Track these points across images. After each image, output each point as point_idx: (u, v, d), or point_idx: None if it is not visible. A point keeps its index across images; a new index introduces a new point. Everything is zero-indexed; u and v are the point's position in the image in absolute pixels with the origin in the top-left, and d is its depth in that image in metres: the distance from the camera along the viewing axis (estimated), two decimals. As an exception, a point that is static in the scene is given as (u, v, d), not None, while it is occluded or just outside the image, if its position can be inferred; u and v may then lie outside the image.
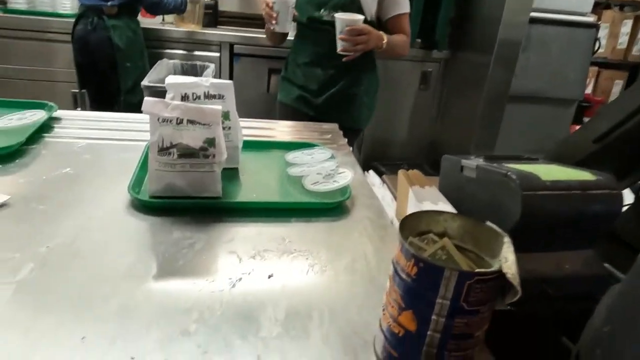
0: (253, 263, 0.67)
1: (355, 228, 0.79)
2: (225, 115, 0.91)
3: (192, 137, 0.77)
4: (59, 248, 0.66)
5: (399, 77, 2.71)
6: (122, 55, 2.12)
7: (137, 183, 0.82)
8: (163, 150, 0.77)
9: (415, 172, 0.80)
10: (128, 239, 0.70)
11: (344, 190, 0.88)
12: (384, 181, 0.99)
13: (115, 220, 0.74)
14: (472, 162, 0.70)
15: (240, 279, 0.63)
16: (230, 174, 0.91)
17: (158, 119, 0.76)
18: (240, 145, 0.95)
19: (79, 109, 2.55)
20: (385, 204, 0.90)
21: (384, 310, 0.52)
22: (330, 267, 0.68)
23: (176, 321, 0.55)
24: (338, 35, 1.49)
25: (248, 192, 0.87)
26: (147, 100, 0.75)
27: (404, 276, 0.47)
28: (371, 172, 1.03)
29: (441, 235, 0.53)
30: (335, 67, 1.67)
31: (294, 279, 0.65)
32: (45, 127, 1.03)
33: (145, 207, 0.78)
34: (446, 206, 0.68)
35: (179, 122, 0.77)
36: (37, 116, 1.04)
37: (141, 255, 0.66)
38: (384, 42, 1.57)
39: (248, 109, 0.97)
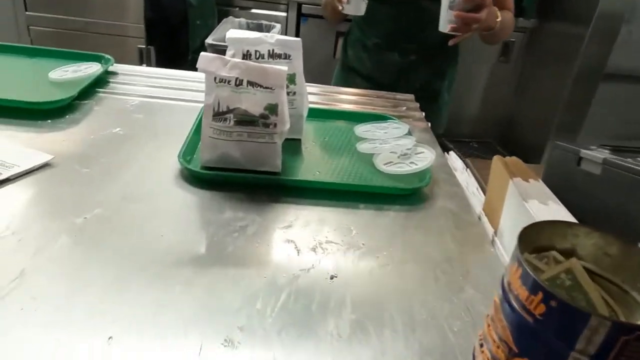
0: (313, 257, 0.56)
1: (434, 222, 0.66)
2: (291, 79, 0.80)
3: (252, 102, 0.66)
4: (96, 221, 0.58)
5: (476, 46, 2.47)
6: (194, 12, 2.04)
7: (189, 150, 0.73)
8: (219, 115, 0.67)
9: (514, 160, 0.66)
10: (173, 215, 0.61)
11: (422, 174, 0.75)
12: (467, 165, 0.85)
13: (161, 191, 0.65)
14: (596, 155, 0.55)
15: (297, 277, 0.53)
16: (292, 146, 0.80)
17: (215, 79, 0.66)
18: (305, 114, 0.84)
19: (144, 65, 2.54)
20: (470, 193, 0.76)
21: (482, 343, 0.40)
22: (406, 271, 0.56)
23: (219, 326, 0.45)
24: (447, 8, 1.04)
25: (310, 168, 0.75)
26: (204, 56, 0.65)
27: (521, 311, 0.34)
28: (452, 153, 0.89)
29: (568, 254, 0.40)
30: (417, 52, 1.27)
31: (361, 283, 0.53)
32: (100, 82, 0.96)
33: (196, 178, 0.68)
34: (559, 209, 0.54)
35: (238, 83, 0.66)
36: (92, 69, 0.97)
37: (186, 236, 0.57)
38: (497, 20, 1.13)
39: (313, 74, 0.85)
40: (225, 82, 0.66)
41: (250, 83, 0.66)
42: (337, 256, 0.57)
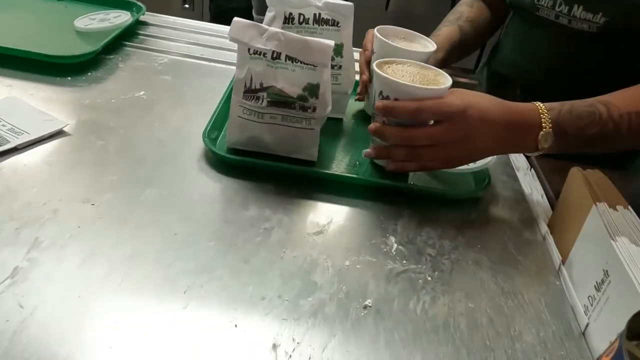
0: (344, 278, 0.48)
1: (490, 239, 0.57)
2: (337, 50, 0.69)
3: (290, 80, 0.57)
4: (103, 209, 0.51)
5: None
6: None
7: (216, 125, 0.65)
8: (250, 92, 0.58)
9: (598, 175, 0.54)
10: (189, 209, 0.53)
11: (480, 175, 0.65)
12: (532, 165, 0.74)
13: (180, 177, 0.58)
14: None
15: (323, 306, 0.45)
16: (332, 128, 0.70)
17: (249, 50, 0.56)
18: (351, 90, 0.73)
19: (187, 6, 2.43)
20: (533, 201, 0.65)
21: None
22: (453, 305, 0.47)
23: (227, 363, 0.39)
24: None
25: (350, 157, 0.66)
26: (237, 22, 0.55)
27: None
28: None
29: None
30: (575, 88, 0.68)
31: (396, 319, 0.45)
32: (128, 33, 0.88)
33: (221, 162, 0.60)
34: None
35: (275, 56, 0.56)
36: (121, 19, 0.88)
37: (198, 240, 0.49)
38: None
39: (361, 34, 0.74)
40: (260, 55, 0.56)
41: (289, 58, 0.56)
42: (370, 276, 0.49)
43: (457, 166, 0.60)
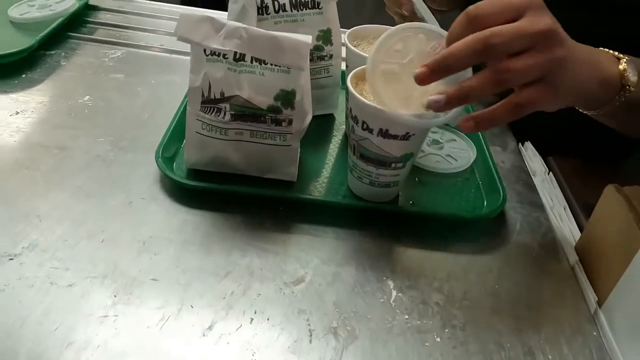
0: (333, 347, 0.38)
1: (508, 275, 0.46)
2: (326, 37, 0.58)
3: (258, 88, 0.45)
4: (31, 260, 0.40)
5: None
6: None
7: (172, 140, 0.53)
8: (209, 103, 0.46)
9: (638, 191, 0.44)
10: (132, 258, 0.43)
11: (491, 186, 0.54)
12: (550, 168, 0.63)
13: (125, 211, 0.46)
14: None
15: (306, 391, 0.35)
16: (320, 126, 0.59)
17: (204, 51, 0.44)
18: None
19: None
20: (555, 216, 0.55)
21: None
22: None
23: None
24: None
25: (340, 167, 0.55)
26: (185, 17, 0.43)
27: None
28: (529, 147, 0.66)
29: None
30: None
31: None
32: (73, 22, 0.75)
33: (178, 187, 0.49)
34: None
35: (239, 57, 0.44)
36: (64, 4, 0.75)
37: (142, 303, 0.39)
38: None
39: (348, 15, 0.62)
40: (219, 56, 0.44)
41: (257, 60, 0.44)
42: (367, 342, 0.38)
43: (554, 102, 0.40)
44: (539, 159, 0.65)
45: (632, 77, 0.43)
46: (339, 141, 0.60)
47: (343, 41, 0.57)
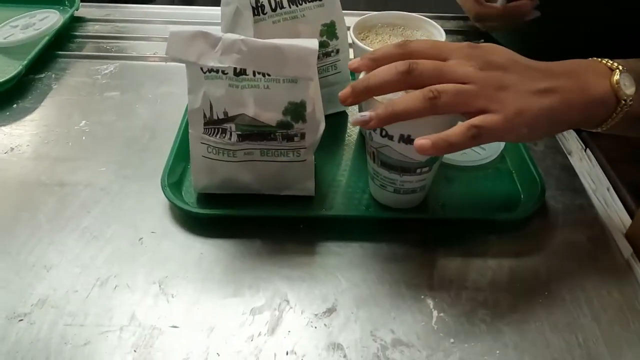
0: (376, 386, 0.35)
1: (557, 279, 0.42)
2: (330, 31, 0.53)
3: (264, 104, 0.41)
4: (36, 327, 0.37)
5: None
6: None
7: (177, 163, 0.49)
8: (213, 124, 0.42)
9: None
10: (148, 304, 0.40)
11: (526, 175, 0.50)
12: (587, 144, 0.58)
13: (133, 250, 0.43)
14: None
15: None
16: (333, 126, 0.55)
17: (201, 69, 0.40)
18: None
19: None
20: (599, 200, 0.51)
21: None
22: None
23: None
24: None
25: (361, 170, 0.51)
26: (175, 35, 0.38)
27: None
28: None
29: None
30: None
31: None
32: (61, 39, 0.71)
33: (191, 217, 0.46)
34: None
35: (239, 72, 0.40)
36: (49, 21, 0.71)
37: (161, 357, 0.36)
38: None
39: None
40: (217, 73, 0.40)
41: (259, 72, 0.40)
42: (414, 376, 0.35)
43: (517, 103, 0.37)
44: (574, 134, 0.60)
45: (627, 89, 0.39)
46: (355, 140, 0.56)
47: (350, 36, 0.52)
